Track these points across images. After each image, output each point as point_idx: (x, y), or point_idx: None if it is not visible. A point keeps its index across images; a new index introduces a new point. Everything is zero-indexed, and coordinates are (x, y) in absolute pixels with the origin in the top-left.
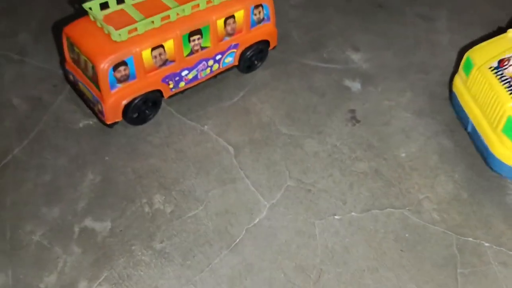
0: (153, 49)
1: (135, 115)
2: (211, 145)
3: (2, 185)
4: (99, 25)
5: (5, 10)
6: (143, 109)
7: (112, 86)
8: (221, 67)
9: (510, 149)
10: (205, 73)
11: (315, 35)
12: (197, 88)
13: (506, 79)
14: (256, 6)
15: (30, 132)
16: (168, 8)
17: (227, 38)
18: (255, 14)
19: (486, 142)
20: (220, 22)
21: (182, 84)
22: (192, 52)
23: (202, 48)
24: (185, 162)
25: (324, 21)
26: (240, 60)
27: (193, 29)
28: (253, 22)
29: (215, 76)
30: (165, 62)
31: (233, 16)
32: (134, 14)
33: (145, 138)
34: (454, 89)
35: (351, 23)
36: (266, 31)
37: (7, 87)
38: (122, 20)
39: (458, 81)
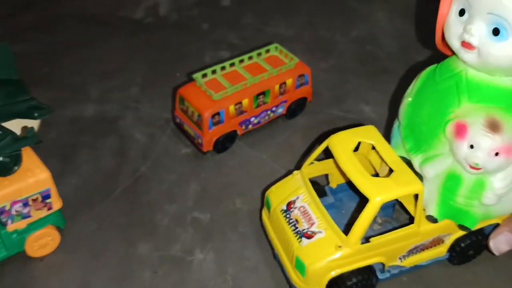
0: (235, 104)
1: (220, 146)
2: (270, 168)
3: (138, 190)
4: (203, 89)
5: (120, 69)
6: (224, 142)
7: (210, 127)
8: (275, 115)
9: (304, 282)
10: (265, 119)
11: (337, 92)
12: (259, 129)
13: (292, 221)
14: (300, 76)
15: (149, 157)
16: (245, 78)
17: (280, 96)
18: (299, 81)
19: (288, 273)
20: (277, 87)
21: (250, 126)
22: (258, 106)
23: (265, 103)
24: (253, 179)
25: (344, 82)
26: (287, 110)
27: (260, 92)
28: (297, 86)
29: (271, 121)
30: (241, 112)
31: (285, 83)
32: (223, 81)
33: (226, 162)
34: (263, 221)
35: (364, 83)
36: (306, 91)
37: (130, 126)
38: (216, 85)
39: (264, 215)
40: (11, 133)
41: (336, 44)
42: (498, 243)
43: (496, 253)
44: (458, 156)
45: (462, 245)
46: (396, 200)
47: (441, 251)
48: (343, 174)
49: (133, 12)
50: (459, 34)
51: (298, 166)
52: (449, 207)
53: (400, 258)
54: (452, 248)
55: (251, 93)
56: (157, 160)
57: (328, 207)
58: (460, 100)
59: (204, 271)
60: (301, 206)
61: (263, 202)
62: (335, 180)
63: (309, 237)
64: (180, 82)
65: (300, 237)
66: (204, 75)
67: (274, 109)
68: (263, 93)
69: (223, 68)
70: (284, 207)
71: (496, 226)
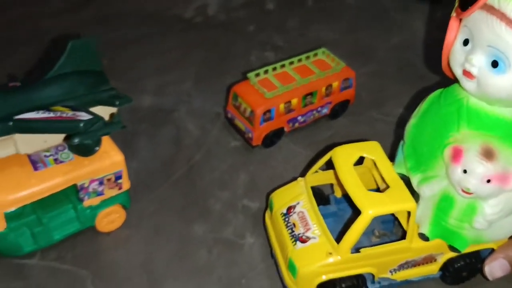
0: (285, 103)
1: (268, 141)
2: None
3: (193, 177)
4: (256, 87)
5: (173, 65)
6: (272, 138)
7: (261, 123)
8: (319, 115)
9: (295, 283)
10: (310, 118)
11: (377, 96)
12: (304, 127)
13: (290, 225)
14: (345, 79)
15: (202, 147)
16: (295, 79)
17: (326, 98)
18: (344, 84)
19: (281, 274)
20: (324, 88)
21: (296, 124)
22: (305, 105)
23: (311, 103)
24: (296, 173)
25: (383, 87)
26: (331, 111)
27: (308, 92)
28: (342, 88)
29: (315, 120)
30: (289, 111)
31: (331, 85)
32: (274, 81)
33: (273, 157)
34: (265, 222)
35: (402, 89)
36: (349, 93)
37: (184, 118)
38: (268, 84)
39: (267, 217)
40: (102, 118)
41: (376, 50)
42: (493, 269)
43: (490, 278)
44: (452, 179)
45: (455, 265)
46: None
47: (433, 269)
48: (342, 185)
49: (184, 11)
50: (461, 62)
51: (303, 173)
52: (441, 227)
53: (390, 271)
54: (445, 268)
55: (300, 93)
56: (209, 151)
57: (329, 215)
58: (459, 125)
59: (254, 254)
60: (300, 212)
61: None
62: (339, 190)
63: (303, 241)
64: (231, 79)
65: (295, 241)
66: (257, 75)
67: (319, 109)
68: (310, 94)
69: (274, 68)
70: (284, 211)
71: (492, 251)
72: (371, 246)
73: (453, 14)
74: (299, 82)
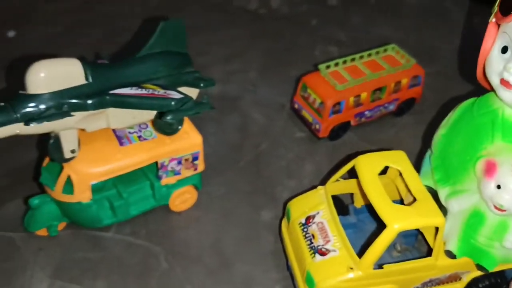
0: (354, 96)
1: (334, 134)
2: None
3: (260, 164)
4: (327, 79)
5: (239, 54)
6: (339, 131)
7: (330, 115)
8: (386, 111)
9: None
10: (376, 114)
11: (440, 96)
12: (369, 122)
13: (309, 236)
14: (414, 76)
15: (268, 135)
16: (365, 73)
17: (393, 94)
18: (412, 81)
19: (298, 286)
20: (393, 84)
21: (363, 119)
22: (373, 100)
23: (379, 98)
24: None
25: (447, 87)
26: (397, 108)
27: (377, 87)
28: (410, 86)
29: (381, 117)
30: (358, 105)
31: (400, 81)
32: (345, 74)
33: (338, 149)
34: (281, 231)
35: (466, 90)
36: (416, 91)
37: (249, 107)
38: (338, 77)
39: (283, 226)
40: (191, 98)
41: (439, 51)
42: None
43: None
44: (484, 195)
45: (480, 285)
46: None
47: (457, 287)
48: (365, 196)
49: (247, 3)
50: (499, 71)
51: (323, 182)
52: (469, 244)
53: None
54: (470, 287)
55: (369, 88)
56: (275, 139)
57: (348, 226)
58: (493, 137)
59: None
60: (320, 222)
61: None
62: (360, 200)
63: (322, 254)
64: (295, 71)
65: (314, 253)
66: (328, 66)
67: (386, 105)
68: (379, 89)
69: (344, 61)
70: (303, 221)
71: None
72: (393, 261)
73: (492, 19)
74: (369, 76)
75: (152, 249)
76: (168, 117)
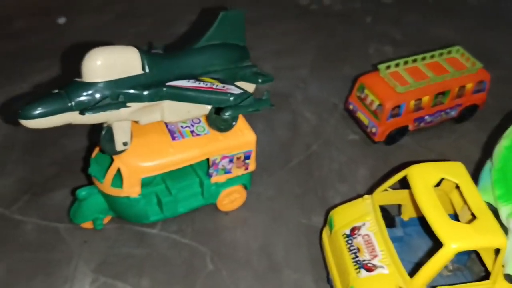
0: (415, 100)
1: (391, 138)
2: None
3: (311, 165)
4: (386, 80)
5: (290, 50)
6: (396, 135)
7: (388, 118)
8: (447, 116)
9: None
10: (436, 119)
11: (503, 103)
12: (428, 128)
13: (354, 249)
14: (480, 82)
15: (320, 136)
16: (427, 76)
17: (457, 99)
18: (477, 86)
19: None
20: (457, 89)
21: (422, 124)
22: (435, 105)
23: (441, 103)
24: None
25: (510, 93)
26: (459, 114)
27: (441, 91)
28: (475, 91)
29: (441, 122)
30: (418, 109)
31: (464, 86)
32: (405, 76)
33: (393, 154)
34: (322, 241)
35: None
36: (480, 97)
37: (300, 105)
38: (398, 78)
39: (324, 235)
40: (251, 94)
41: (501, 54)
42: None
43: None
44: None
45: None
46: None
47: None
48: (417, 208)
49: None
50: None
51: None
52: None
53: None
54: None
55: (432, 91)
56: (327, 141)
57: (394, 240)
58: None
59: None
60: (366, 234)
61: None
62: (408, 213)
63: (369, 269)
64: (348, 70)
65: (359, 268)
66: (388, 67)
67: (448, 111)
68: (442, 93)
69: (406, 62)
70: (347, 232)
71: None
72: (444, 282)
73: None
74: (432, 79)
75: (198, 249)
76: (227, 113)
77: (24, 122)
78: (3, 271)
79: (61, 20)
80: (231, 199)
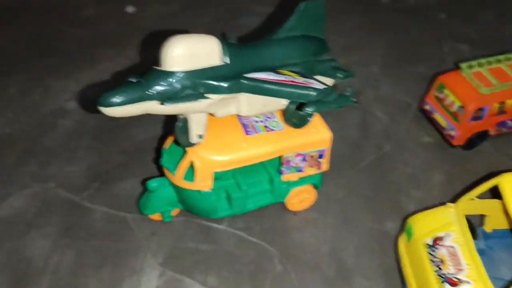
0: (499, 103)
1: (470, 143)
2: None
3: (383, 167)
4: (468, 80)
5: (361, 45)
6: (475, 139)
7: (469, 121)
8: None
9: None
10: None
11: None
12: (508, 134)
13: (437, 261)
14: None
15: (392, 137)
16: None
17: None
18: None
19: None
20: None
21: (504, 129)
22: None
23: None
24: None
25: None
26: None
27: None
28: None
29: None
30: (501, 112)
31: None
32: (489, 77)
33: (471, 160)
34: (398, 249)
35: None
36: None
37: (371, 103)
38: (482, 79)
39: (401, 243)
40: (334, 89)
41: None
42: None
43: None
44: None
45: None
46: None
47: None
48: (504, 220)
49: None
50: None
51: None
52: None
53: None
54: None
55: None
56: (399, 142)
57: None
58: None
59: None
60: (451, 246)
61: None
62: (492, 224)
63: (453, 284)
64: (422, 68)
65: (443, 282)
66: (470, 66)
67: None
68: None
69: (489, 62)
70: (430, 242)
71: None
72: None
73: None
74: None
75: (266, 249)
76: (308, 109)
77: (103, 110)
78: (72, 258)
79: (130, 9)
80: (300, 198)
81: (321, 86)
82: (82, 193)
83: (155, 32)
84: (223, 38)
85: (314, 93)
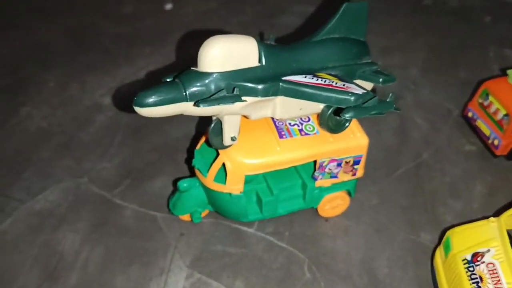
0: None
1: None
2: None
3: (420, 176)
4: None
5: (400, 47)
6: None
7: None
8: None
9: None
10: None
11: None
12: None
13: (475, 278)
14: None
15: (431, 144)
16: None
17: None
18: None
19: None
20: None
21: None
22: None
23: None
24: None
25: None
26: None
27: None
28: None
29: None
30: None
31: None
32: None
33: (511, 169)
34: (434, 262)
35: None
36: None
37: (410, 108)
38: None
39: (438, 256)
40: (375, 94)
41: None
42: None
43: None
44: None
45: None
46: None
47: None
48: None
49: None
50: None
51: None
52: None
53: None
54: None
55: None
56: (439, 150)
57: None
58: None
59: None
60: (491, 263)
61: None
62: None
63: None
64: (465, 73)
65: None
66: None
67: None
68: None
69: None
70: (468, 257)
71: None
72: None
73: None
74: None
75: (296, 255)
76: (347, 115)
77: (138, 110)
78: (101, 254)
79: (168, 6)
80: (333, 205)
81: (360, 91)
82: (113, 190)
83: (192, 30)
84: (261, 38)
85: (353, 98)
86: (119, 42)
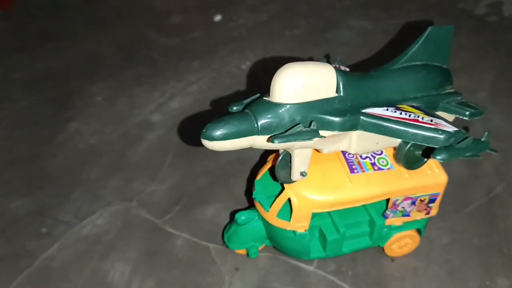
0: None
1: None
2: None
3: (494, 213)
4: None
5: (466, 68)
6: None
7: None
8: None
9: None
10: None
11: None
12: None
13: None
14: None
15: (505, 177)
16: None
17: None
18: None
19: None
20: None
21: None
22: None
23: None
24: None
25: None
26: None
27: None
28: None
29: None
30: None
31: None
32: None
33: None
34: None
35: None
36: None
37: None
38: None
39: None
40: (467, 134)
41: None
42: None
43: None
44: None
45: None
46: None
47: None
48: None
49: (474, 6)
50: None
51: None
52: None
53: None
54: None
55: None
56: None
57: None
58: None
59: None
60: None
61: None
62: None
63: None
64: None
65: None
66: None
67: None
68: None
69: None
70: None
71: None
72: None
73: None
74: None
75: None
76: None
77: (206, 143)
78: (152, 287)
79: (217, 18)
80: (401, 244)
81: (451, 129)
82: (164, 216)
83: (242, 44)
84: (327, 61)
85: (443, 137)
86: (167, 55)
